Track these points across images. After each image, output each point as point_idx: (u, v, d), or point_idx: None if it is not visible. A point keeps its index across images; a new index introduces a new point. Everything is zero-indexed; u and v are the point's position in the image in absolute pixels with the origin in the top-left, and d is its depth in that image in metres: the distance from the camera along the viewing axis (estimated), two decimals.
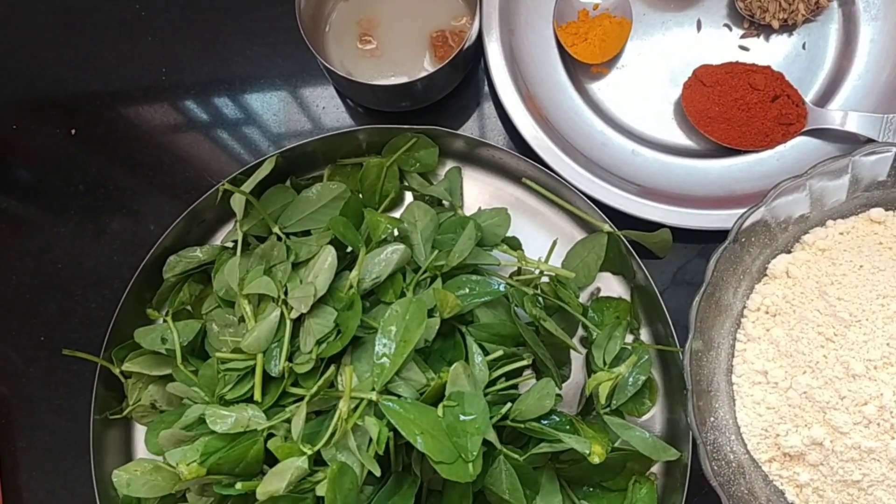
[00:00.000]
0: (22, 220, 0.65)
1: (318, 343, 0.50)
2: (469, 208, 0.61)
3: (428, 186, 0.58)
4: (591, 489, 0.55)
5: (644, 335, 0.58)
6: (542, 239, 0.59)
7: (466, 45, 0.57)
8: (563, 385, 0.58)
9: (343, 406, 0.47)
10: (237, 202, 0.56)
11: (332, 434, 0.47)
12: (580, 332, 0.59)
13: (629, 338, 0.58)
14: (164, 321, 0.56)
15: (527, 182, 0.58)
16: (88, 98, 0.66)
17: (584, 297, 0.59)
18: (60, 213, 0.64)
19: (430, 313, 0.51)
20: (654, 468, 0.56)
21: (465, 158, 0.62)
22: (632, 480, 0.55)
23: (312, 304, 0.51)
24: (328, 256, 0.52)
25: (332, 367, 0.48)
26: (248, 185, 0.56)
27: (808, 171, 0.49)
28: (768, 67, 0.59)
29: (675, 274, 0.61)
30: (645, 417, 0.57)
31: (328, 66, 0.56)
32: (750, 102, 0.57)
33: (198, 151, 0.65)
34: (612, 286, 0.60)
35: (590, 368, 0.57)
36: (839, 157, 0.49)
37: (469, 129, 0.64)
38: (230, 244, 0.59)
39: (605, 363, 0.55)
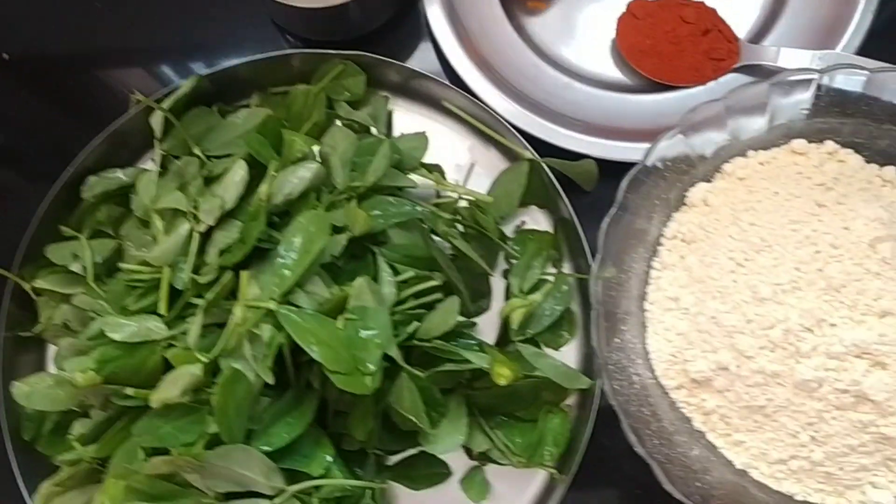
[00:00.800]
0: None
1: (221, 253, 0.49)
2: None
3: (352, 112, 0.58)
4: (504, 418, 0.55)
5: (567, 269, 0.58)
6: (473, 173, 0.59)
7: None
8: (484, 317, 0.57)
9: (237, 312, 0.46)
10: (156, 120, 0.55)
11: (227, 342, 0.46)
12: (504, 266, 0.58)
13: (553, 271, 0.57)
14: (77, 238, 0.55)
15: (446, 104, 0.57)
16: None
17: (510, 231, 0.59)
18: None
19: (342, 230, 0.51)
20: (570, 401, 0.56)
21: (400, 91, 0.61)
22: (544, 410, 0.54)
23: (221, 218, 0.51)
24: (239, 170, 0.51)
25: (229, 275, 0.48)
26: (168, 105, 0.55)
27: (725, 94, 0.48)
28: (701, 3, 0.58)
29: (604, 209, 0.60)
30: (563, 350, 0.56)
31: None
32: (680, 35, 0.56)
33: (128, 78, 0.65)
34: (538, 220, 0.59)
35: (509, 298, 0.56)
36: (757, 81, 0.49)
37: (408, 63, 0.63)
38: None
39: (521, 290, 0.55)
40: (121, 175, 0.58)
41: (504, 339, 0.56)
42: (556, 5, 0.62)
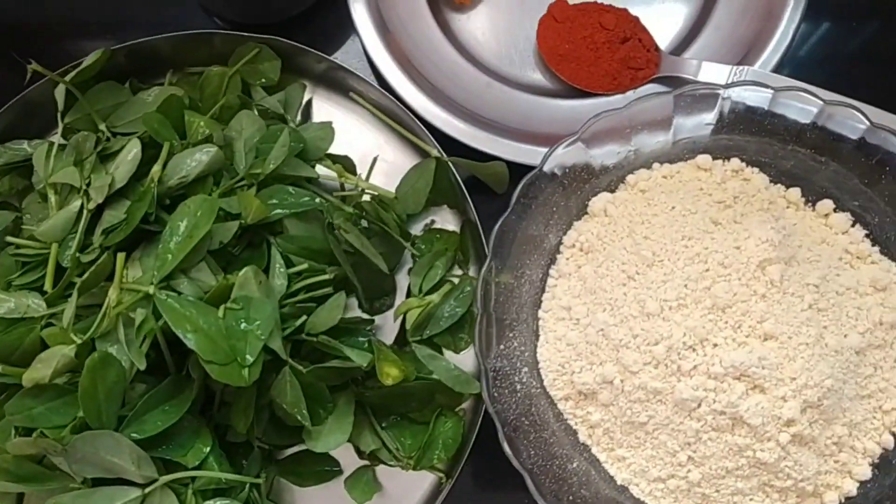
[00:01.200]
0: None
1: (105, 233, 0.48)
2: None
3: (265, 98, 0.57)
4: (397, 418, 0.54)
5: (473, 272, 0.57)
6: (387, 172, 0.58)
7: None
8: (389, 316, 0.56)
9: (112, 294, 0.45)
10: (59, 92, 0.54)
11: (102, 324, 0.45)
12: (410, 264, 0.57)
13: (459, 273, 0.56)
14: None
15: (354, 97, 0.56)
16: None
17: (419, 230, 0.58)
18: None
19: (237, 217, 0.50)
20: (466, 405, 0.55)
21: (321, 81, 0.60)
22: (438, 414, 0.53)
23: (113, 197, 0.50)
24: (133, 148, 0.50)
25: (108, 255, 0.47)
26: (70, 77, 0.54)
27: (628, 103, 0.48)
28: (624, 10, 0.57)
29: None
30: (464, 354, 0.55)
31: None
32: (598, 42, 0.55)
33: (48, 52, 0.63)
34: (449, 221, 0.58)
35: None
36: (662, 93, 0.48)
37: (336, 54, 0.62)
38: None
39: (420, 290, 0.54)
40: (26, 147, 0.57)
41: (402, 338, 0.55)
42: (484, 3, 0.61)
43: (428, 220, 0.58)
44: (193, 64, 0.59)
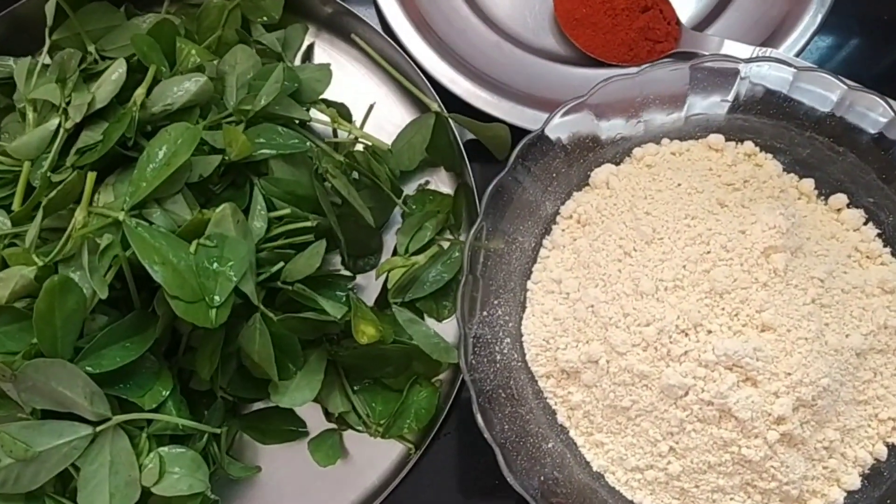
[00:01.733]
0: None
1: (79, 152, 0.46)
2: None
3: (263, 35, 0.54)
4: (369, 383, 0.51)
5: (465, 238, 0.54)
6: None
7: None
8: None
9: (79, 215, 0.43)
10: (49, 7, 0.51)
11: (66, 247, 0.43)
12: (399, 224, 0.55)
13: (450, 238, 0.54)
14: None
15: (356, 40, 0.53)
16: None
17: (412, 189, 0.55)
18: None
19: (221, 152, 0.47)
20: (443, 377, 0.52)
21: (326, 26, 0.58)
22: (412, 381, 0.51)
23: (93, 118, 0.47)
24: (118, 69, 0.47)
25: (77, 174, 0.44)
26: None
27: (641, 69, 0.45)
28: None
29: None
30: (446, 323, 0.53)
31: None
32: (617, 8, 0.53)
33: None
34: (445, 183, 0.55)
35: None
36: (678, 62, 0.45)
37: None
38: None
39: (406, 251, 0.51)
40: (12, 63, 0.54)
41: (385, 301, 0.53)
42: None
43: (422, 181, 0.55)
44: None
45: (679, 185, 0.46)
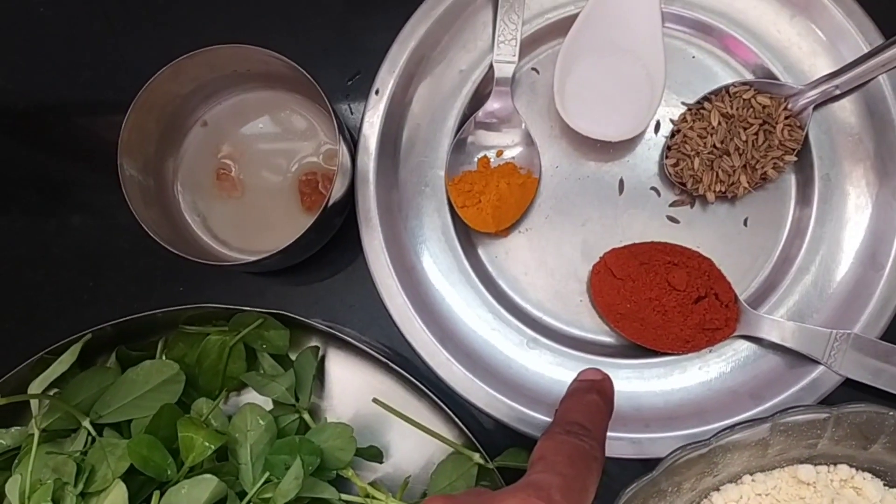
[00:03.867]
0: None
1: None
2: (334, 396, 0.51)
3: (268, 384, 0.48)
4: None
5: None
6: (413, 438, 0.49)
7: (331, 203, 0.47)
8: None
9: None
10: (34, 402, 0.46)
11: None
12: None
13: None
14: None
15: (377, 402, 0.47)
16: None
17: None
18: None
19: None
20: None
21: (331, 336, 0.52)
22: None
23: None
24: (120, 494, 0.42)
25: None
26: (52, 374, 0.46)
27: (716, 434, 0.39)
28: (696, 253, 0.48)
29: None
30: None
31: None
32: (667, 305, 0.46)
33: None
34: None
35: None
36: (757, 421, 0.39)
37: (342, 294, 0.54)
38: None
39: None
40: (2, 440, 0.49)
41: None
42: (519, 233, 0.52)
43: None
44: (186, 321, 0.51)
45: None
